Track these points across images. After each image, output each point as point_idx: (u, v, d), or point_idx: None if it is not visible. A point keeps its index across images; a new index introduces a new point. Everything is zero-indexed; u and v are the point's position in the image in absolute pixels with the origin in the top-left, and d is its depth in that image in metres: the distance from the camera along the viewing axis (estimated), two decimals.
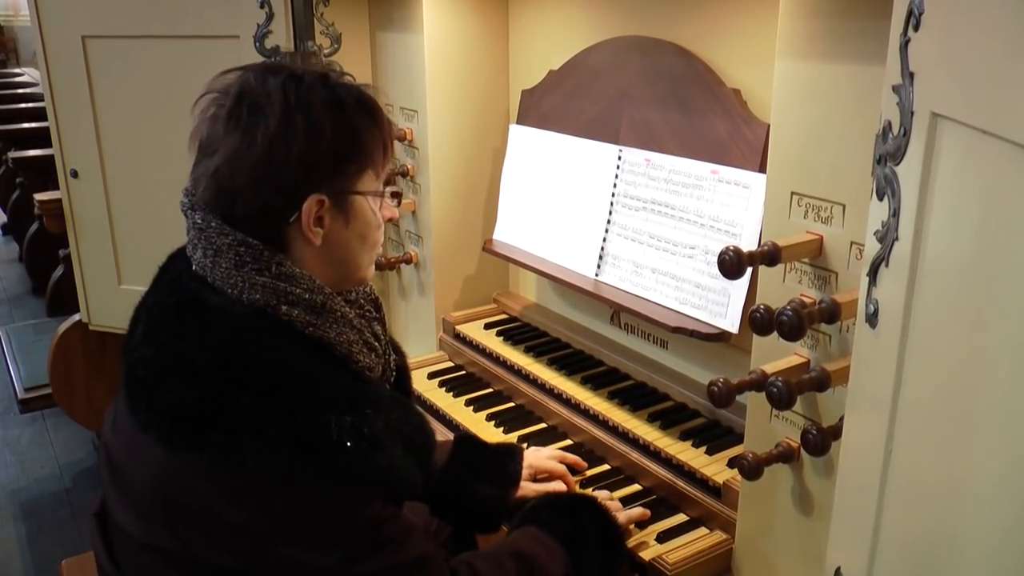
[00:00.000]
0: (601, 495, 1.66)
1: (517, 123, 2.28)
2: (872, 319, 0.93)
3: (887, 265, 0.89)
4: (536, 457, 1.74)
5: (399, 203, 1.41)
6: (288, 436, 1.13)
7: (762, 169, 1.61)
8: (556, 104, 2.16)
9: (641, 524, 1.64)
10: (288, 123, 1.18)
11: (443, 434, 1.96)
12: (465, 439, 1.74)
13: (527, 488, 1.67)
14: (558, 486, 1.71)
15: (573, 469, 1.79)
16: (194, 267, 1.26)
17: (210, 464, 1.13)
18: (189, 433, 1.14)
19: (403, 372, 1.49)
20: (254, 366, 1.17)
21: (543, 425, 2.01)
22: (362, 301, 1.40)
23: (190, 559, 1.20)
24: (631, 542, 1.59)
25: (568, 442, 1.94)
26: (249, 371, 1.16)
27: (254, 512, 1.16)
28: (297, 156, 1.19)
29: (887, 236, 0.89)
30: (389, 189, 1.35)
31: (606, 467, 1.85)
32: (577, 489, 1.75)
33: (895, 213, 0.87)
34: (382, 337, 1.39)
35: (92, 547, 1.39)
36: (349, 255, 1.30)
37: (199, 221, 1.24)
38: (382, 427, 1.20)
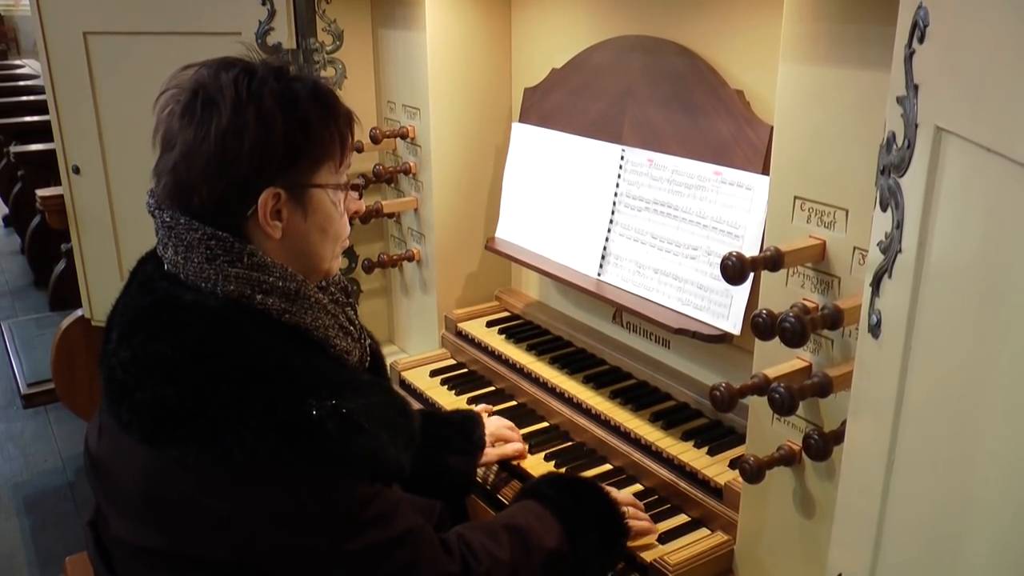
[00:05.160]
0: (615, 491, 1.66)
1: (519, 121, 2.28)
2: (875, 329, 0.93)
3: (890, 276, 0.89)
4: (493, 424, 1.84)
5: (360, 195, 1.42)
6: (271, 422, 1.14)
7: (765, 171, 1.60)
8: (559, 103, 2.15)
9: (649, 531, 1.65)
10: (239, 117, 1.20)
11: None
12: (426, 416, 1.78)
13: (489, 454, 1.78)
14: (515, 447, 1.84)
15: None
16: (166, 266, 1.27)
17: (195, 458, 1.14)
18: (171, 428, 1.15)
19: (377, 356, 1.52)
20: (232, 357, 1.18)
21: (545, 424, 2.02)
22: (332, 289, 1.42)
23: (184, 557, 1.21)
24: (632, 544, 1.60)
25: (570, 442, 1.94)
26: (227, 362, 1.17)
27: (242, 502, 1.17)
28: (249, 149, 1.20)
29: (890, 248, 0.89)
30: (349, 182, 1.36)
31: (608, 467, 1.85)
32: (526, 449, 1.88)
33: (898, 225, 0.87)
34: (356, 322, 1.41)
35: (88, 556, 1.39)
36: (310, 247, 1.32)
37: (168, 219, 1.25)
38: (364, 411, 1.21)
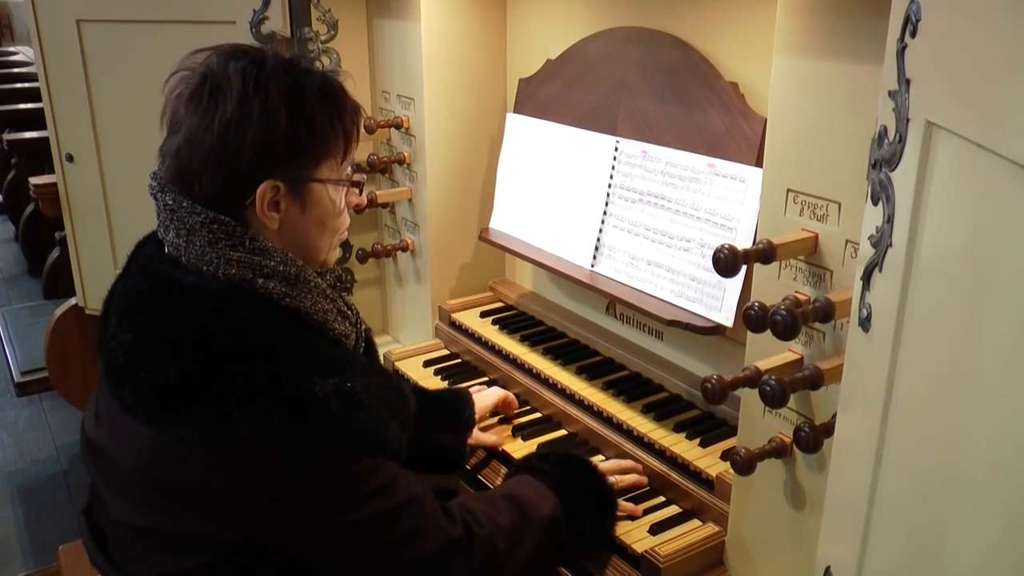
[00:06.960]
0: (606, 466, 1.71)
1: (514, 112, 2.27)
2: (865, 323, 0.94)
3: (881, 270, 0.90)
4: (482, 402, 1.87)
5: (361, 191, 1.44)
6: (276, 399, 1.16)
7: (759, 163, 1.60)
8: (553, 94, 2.15)
9: (633, 515, 1.66)
10: (244, 109, 1.21)
11: None
12: (417, 393, 1.78)
13: (474, 435, 1.82)
14: (494, 440, 1.87)
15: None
16: (167, 249, 1.28)
17: (200, 436, 1.15)
18: (176, 408, 1.16)
19: (370, 341, 1.54)
20: (236, 337, 1.19)
21: (537, 415, 2.02)
22: (328, 276, 1.43)
23: (188, 537, 1.23)
24: (623, 535, 1.60)
25: (562, 432, 1.95)
26: (231, 342, 1.18)
27: (247, 479, 1.19)
28: (251, 142, 1.21)
29: (881, 241, 0.89)
30: (351, 178, 1.37)
31: (600, 457, 1.85)
32: (505, 438, 1.92)
33: (889, 219, 0.87)
34: (353, 307, 1.43)
35: (84, 544, 1.40)
36: (307, 240, 1.33)
37: (170, 202, 1.26)
38: (364, 389, 1.23)
